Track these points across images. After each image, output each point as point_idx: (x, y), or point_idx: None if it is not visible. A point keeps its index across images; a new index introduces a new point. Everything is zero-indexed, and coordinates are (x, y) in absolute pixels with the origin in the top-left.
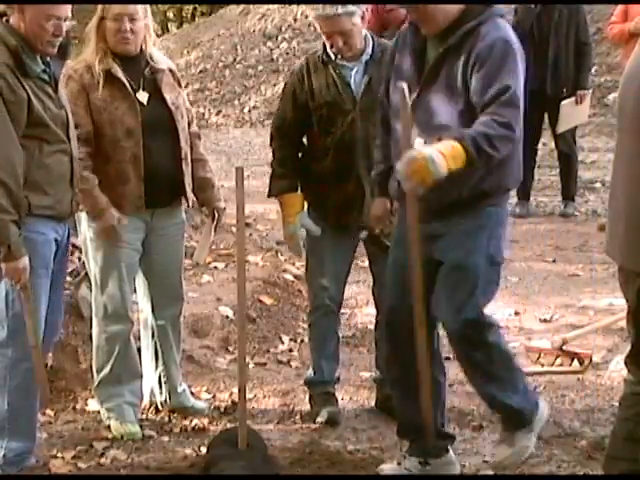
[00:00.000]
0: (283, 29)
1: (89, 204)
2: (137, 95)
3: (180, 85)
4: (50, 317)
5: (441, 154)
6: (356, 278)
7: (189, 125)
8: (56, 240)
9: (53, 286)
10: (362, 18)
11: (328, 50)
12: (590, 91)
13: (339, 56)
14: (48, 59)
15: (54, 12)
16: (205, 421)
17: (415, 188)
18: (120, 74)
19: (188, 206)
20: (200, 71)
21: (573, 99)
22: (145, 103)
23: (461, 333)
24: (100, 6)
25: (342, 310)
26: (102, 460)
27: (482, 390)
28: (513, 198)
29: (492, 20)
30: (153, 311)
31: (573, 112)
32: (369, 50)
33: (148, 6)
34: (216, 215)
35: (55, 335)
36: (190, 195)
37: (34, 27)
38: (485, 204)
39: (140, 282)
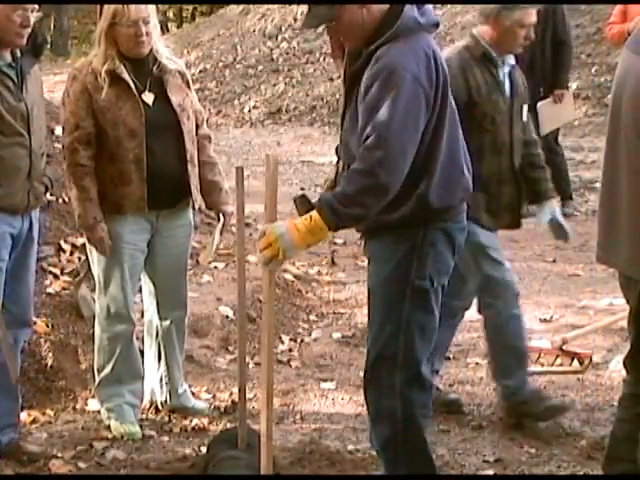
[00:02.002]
0: (283, 29)
1: (78, 213)
2: (142, 96)
3: (190, 87)
4: (18, 312)
5: (296, 230)
6: (356, 278)
7: (199, 127)
8: (12, 235)
9: (17, 280)
10: None
11: (487, 46)
12: (570, 90)
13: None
14: (19, 55)
15: (20, 3)
16: (205, 421)
17: (267, 262)
18: (125, 75)
19: (194, 208)
20: (200, 71)
21: (550, 99)
22: (150, 104)
23: (368, 368)
24: (109, 11)
25: (342, 310)
26: (102, 460)
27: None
28: None
29: (392, 42)
30: (158, 312)
31: (555, 112)
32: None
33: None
34: (221, 219)
35: (25, 332)
36: (196, 197)
37: (1, 19)
38: (401, 229)
39: (145, 282)
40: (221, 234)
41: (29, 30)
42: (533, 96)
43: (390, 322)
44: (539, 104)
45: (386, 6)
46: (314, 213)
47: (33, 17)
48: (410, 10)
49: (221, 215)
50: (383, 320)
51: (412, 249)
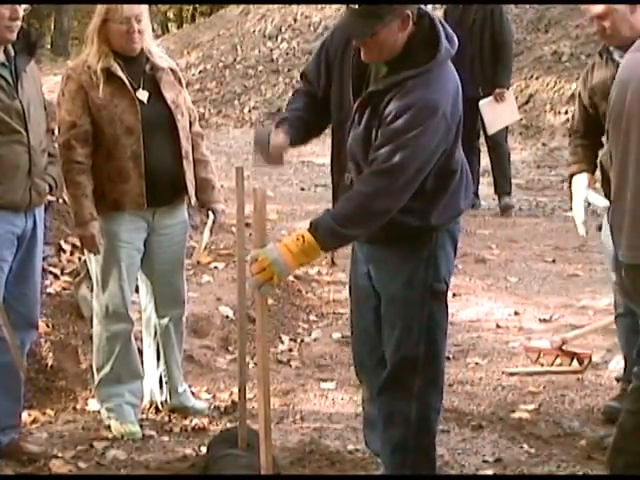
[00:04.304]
0: (283, 29)
1: (74, 210)
2: (137, 93)
3: (181, 84)
4: (24, 313)
5: (289, 253)
6: None
7: (191, 125)
8: (15, 234)
9: (23, 281)
10: None
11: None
12: (511, 89)
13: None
14: (13, 54)
15: (20, 3)
16: (205, 421)
17: (260, 286)
18: (120, 72)
19: (191, 204)
20: (200, 71)
21: (492, 98)
22: (145, 101)
23: (389, 373)
24: (102, 8)
25: (342, 310)
26: (102, 460)
27: (382, 436)
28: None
29: (426, 74)
30: (156, 310)
31: (498, 111)
32: None
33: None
34: (211, 216)
35: (31, 334)
36: (192, 193)
37: None
38: (414, 237)
39: (143, 281)
40: (211, 232)
41: (19, 23)
42: (473, 96)
43: (413, 327)
44: (481, 103)
45: (416, 30)
46: (306, 233)
47: (22, 10)
48: (444, 39)
49: (211, 213)
50: (406, 325)
51: (427, 254)
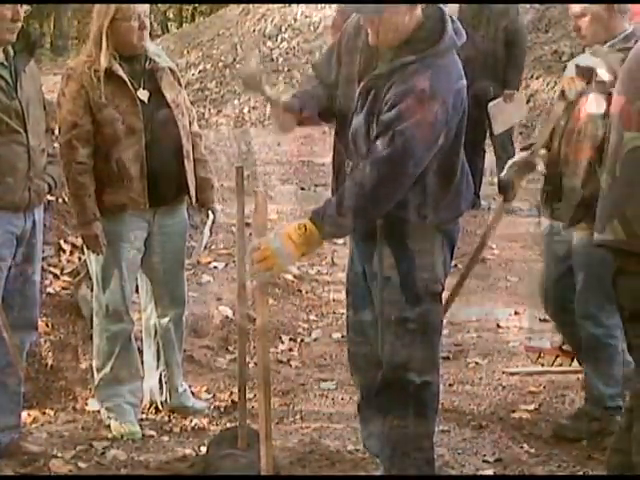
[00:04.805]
0: (283, 29)
1: (76, 210)
2: (138, 93)
3: (180, 84)
4: (24, 313)
5: (291, 242)
6: None
7: (190, 125)
8: (14, 234)
9: (23, 281)
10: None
11: None
12: (520, 90)
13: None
14: (12, 54)
15: (21, 3)
16: (205, 421)
17: (261, 275)
18: (121, 72)
19: (192, 204)
20: (200, 71)
21: (501, 99)
22: (146, 101)
23: (385, 374)
24: (110, 8)
25: (342, 310)
26: (102, 460)
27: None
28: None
29: (428, 60)
30: (156, 310)
31: (506, 112)
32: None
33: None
34: (211, 216)
35: (31, 335)
36: (193, 193)
37: None
38: (415, 236)
39: (143, 281)
40: (211, 232)
41: (19, 25)
42: (483, 95)
43: (407, 327)
44: (490, 105)
45: (423, 17)
46: (308, 223)
47: (22, 11)
48: (450, 29)
49: (211, 212)
50: (401, 326)
51: (423, 254)
